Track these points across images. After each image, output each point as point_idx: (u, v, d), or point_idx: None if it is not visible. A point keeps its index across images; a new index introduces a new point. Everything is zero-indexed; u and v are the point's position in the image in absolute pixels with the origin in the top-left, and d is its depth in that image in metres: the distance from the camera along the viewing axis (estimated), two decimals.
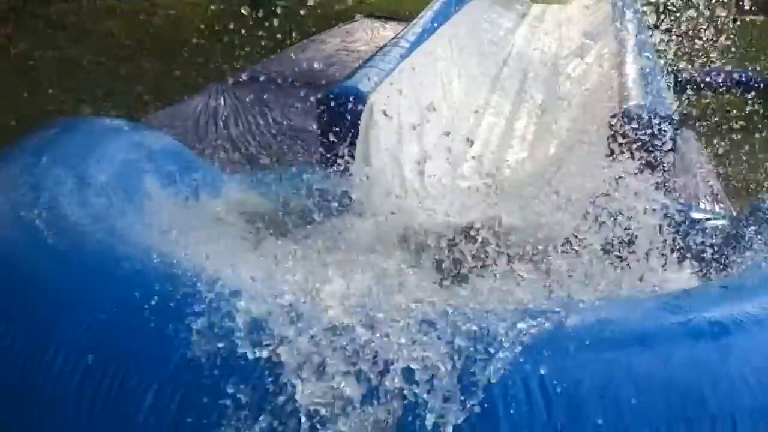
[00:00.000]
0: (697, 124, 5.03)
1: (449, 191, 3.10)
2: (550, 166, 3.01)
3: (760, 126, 5.07)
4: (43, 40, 7.46)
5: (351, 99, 3.07)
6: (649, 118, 2.77)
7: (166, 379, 1.00)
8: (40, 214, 1.37)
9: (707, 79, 5.45)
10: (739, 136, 4.81)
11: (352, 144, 3.06)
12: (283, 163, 4.20)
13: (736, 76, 5.47)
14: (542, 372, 0.92)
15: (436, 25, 4.84)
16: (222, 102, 5.49)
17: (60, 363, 1.04)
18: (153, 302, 1.07)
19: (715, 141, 4.73)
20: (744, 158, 4.34)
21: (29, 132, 2.05)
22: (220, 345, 1.02)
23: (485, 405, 0.91)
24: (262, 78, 6.26)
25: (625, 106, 2.86)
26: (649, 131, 2.76)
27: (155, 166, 1.92)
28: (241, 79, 6.12)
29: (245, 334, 1.01)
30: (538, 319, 0.98)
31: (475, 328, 0.97)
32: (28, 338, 1.11)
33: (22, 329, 1.13)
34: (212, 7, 10.67)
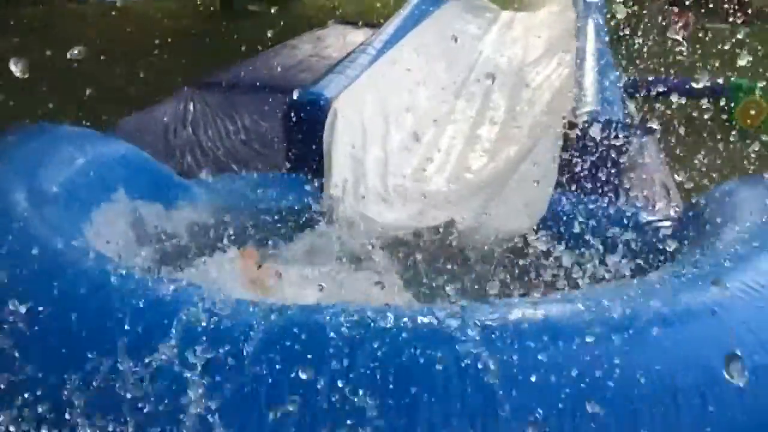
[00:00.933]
0: (656, 130, 5.18)
1: (411, 195, 3.17)
2: (508, 172, 3.09)
3: (718, 132, 5.24)
4: (10, 43, 7.38)
5: (315, 104, 3.12)
6: (601, 123, 2.86)
7: None
8: None
9: (667, 87, 5.62)
10: (697, 142, 4.98)
11: (317, 149, 3.11)
12: (251, 169, 4.23)
13: (695, 83, 5.63)
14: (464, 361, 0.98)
15: (403, 31, 4.93)
16: (192, 107, 5.48)
17: None
18: None
19: (673, 147, 4.88)
20: (701, 163, 4.47)
21: None
22: None
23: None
24: (232, 83, 6.28)
25: (578, 112, 2.95)
26: (601, 136, 2.85)
27: (111, 173, 1.96)
28: (211, 84, 6.14)
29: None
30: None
31: None
32: None
33: None
34: (183, 11, 10.67)
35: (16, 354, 1.18)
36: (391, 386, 0.98)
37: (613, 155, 2.90)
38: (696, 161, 4.57)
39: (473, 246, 2.79)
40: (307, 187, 2.99)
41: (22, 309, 1.16)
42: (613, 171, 2.96)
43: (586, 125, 2.87)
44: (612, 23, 7.16)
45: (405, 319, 1.04)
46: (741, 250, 1.46)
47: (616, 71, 4.25)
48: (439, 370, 0.98)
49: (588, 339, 1.04)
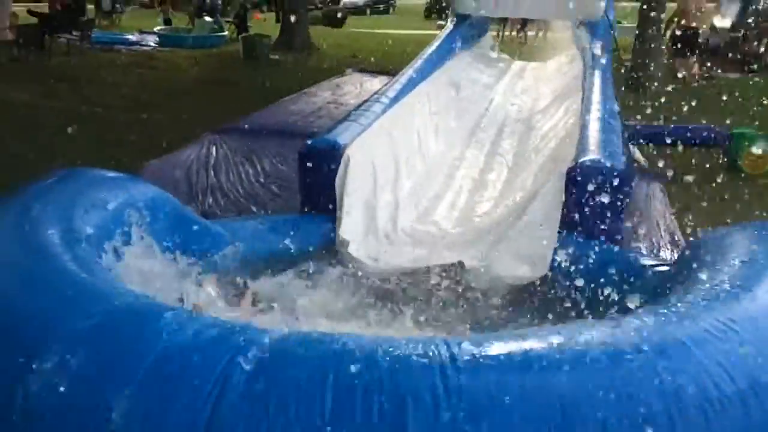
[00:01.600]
0: (663, 176, 5.30)
1: (419, 237, 3.30)
2: (514, 217, 3.20)
3: (723, 179, 5.34)
4: (44, 91, 7.75)
5: (328, 151, 3.28)
6: (602, 171, 2.97)
7: None
8: (26, 257, 1.59)
9: (674, 135, 5.75)
10: (703, 189, 5.08)
11: (330, 193, 3.26)
12: (268, 210, 4.40)
13: (701, 132, 5.76)
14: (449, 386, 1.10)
15: (416, 81, 5.13)
16: (214, 151, 5.70)
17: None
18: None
19: (680, 193, 4.99)
20: (706, 209, 4.56)
21: (28, 181, 2.26)
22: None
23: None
24: (253, 128, 6.53)
25: (579, 160, 3.07)
26: (602, 184, 2.97)
27: (139, 215, 2.13)
28: (232, 129, 6.38)
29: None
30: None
31: None
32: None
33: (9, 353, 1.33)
34: (209, 60, 11.09)
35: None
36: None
37: (613, 202, 3.00)
38: (701, 207, 4.67)
39: (479, 287, 2.90)
40: (320, 229, 3.14)
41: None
42: (613, 217, 3.06)
43: (588, 172, 2.98)
44: (620, 72, 7.39)
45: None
46: (719, 290, 1.57)
47: (622, 120, 4.37)
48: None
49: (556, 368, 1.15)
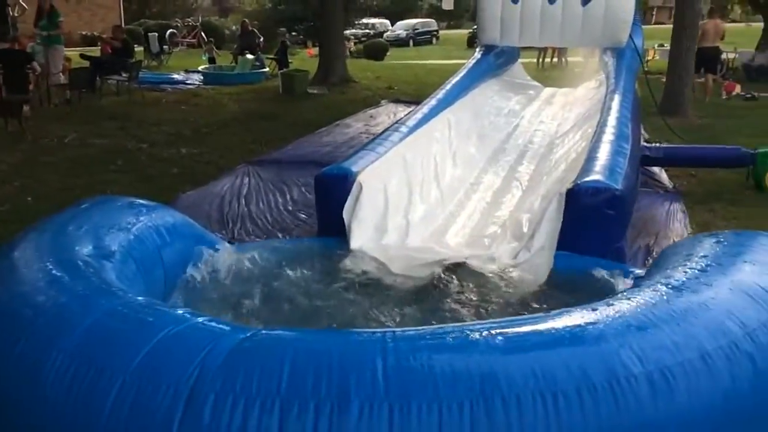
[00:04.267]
0: (681, 196, 5.33)
1: (427, 248, 3.46)
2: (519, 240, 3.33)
3: (745, 199, 5.33)
4: (94, 129, 8.29)
5: (341, 178, 3.50)
6: (598, 192, 3.09)
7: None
8: (56, 266, 1.85)
9: (699, 156, 5.77)
10: (725, 208, 5.10)
11: (343, 217, 3.46)
12: (293, 235, 4.64)
13: (725, 152, 5.76)
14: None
15: (437, 109, 5.33)
16: (247, 181, 6.01)
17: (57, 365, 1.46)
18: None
19: (702, 213, 5.02)
20: (725, 228, 4.58)
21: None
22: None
23: None
24: (285, 159, 6.84)
25: (578, 182, 3.19)
26: (598, 204, 3.09)
27: (160, 237, 2.39)
28: (265, 160, 6.71)
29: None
30: None
31: None
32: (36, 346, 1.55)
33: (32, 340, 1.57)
34: (249, 96, 11.57)
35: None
36: None
37: (611, 221, 3.11)
38: (722, 227, 4.69)
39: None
40: (330, 250, 3.34)
41: None
42: (612, 235, 3.17)
43: (584, 193, 3.11)
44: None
45: None
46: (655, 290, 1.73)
47: (636, 142, 4.43)
48: None
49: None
